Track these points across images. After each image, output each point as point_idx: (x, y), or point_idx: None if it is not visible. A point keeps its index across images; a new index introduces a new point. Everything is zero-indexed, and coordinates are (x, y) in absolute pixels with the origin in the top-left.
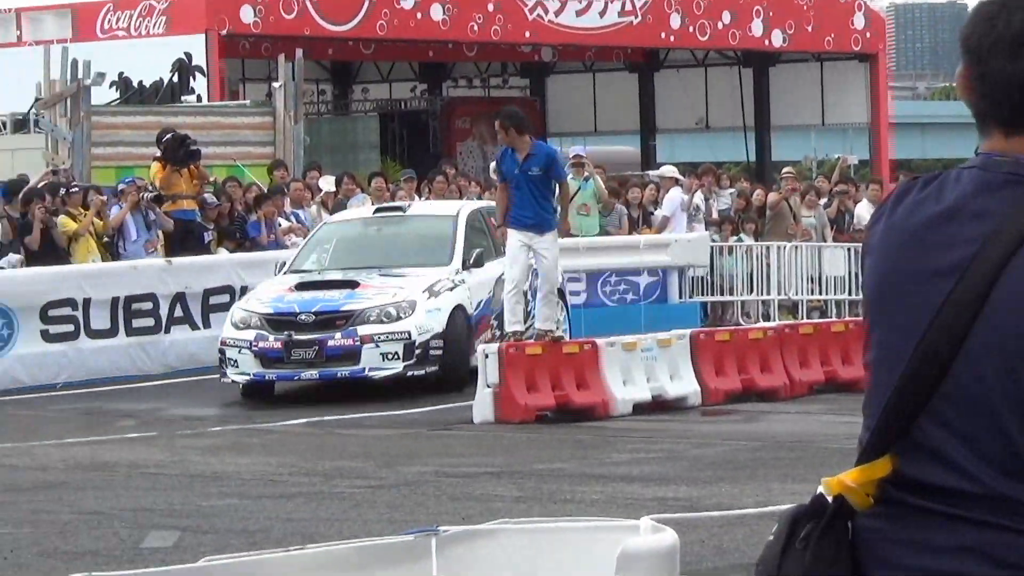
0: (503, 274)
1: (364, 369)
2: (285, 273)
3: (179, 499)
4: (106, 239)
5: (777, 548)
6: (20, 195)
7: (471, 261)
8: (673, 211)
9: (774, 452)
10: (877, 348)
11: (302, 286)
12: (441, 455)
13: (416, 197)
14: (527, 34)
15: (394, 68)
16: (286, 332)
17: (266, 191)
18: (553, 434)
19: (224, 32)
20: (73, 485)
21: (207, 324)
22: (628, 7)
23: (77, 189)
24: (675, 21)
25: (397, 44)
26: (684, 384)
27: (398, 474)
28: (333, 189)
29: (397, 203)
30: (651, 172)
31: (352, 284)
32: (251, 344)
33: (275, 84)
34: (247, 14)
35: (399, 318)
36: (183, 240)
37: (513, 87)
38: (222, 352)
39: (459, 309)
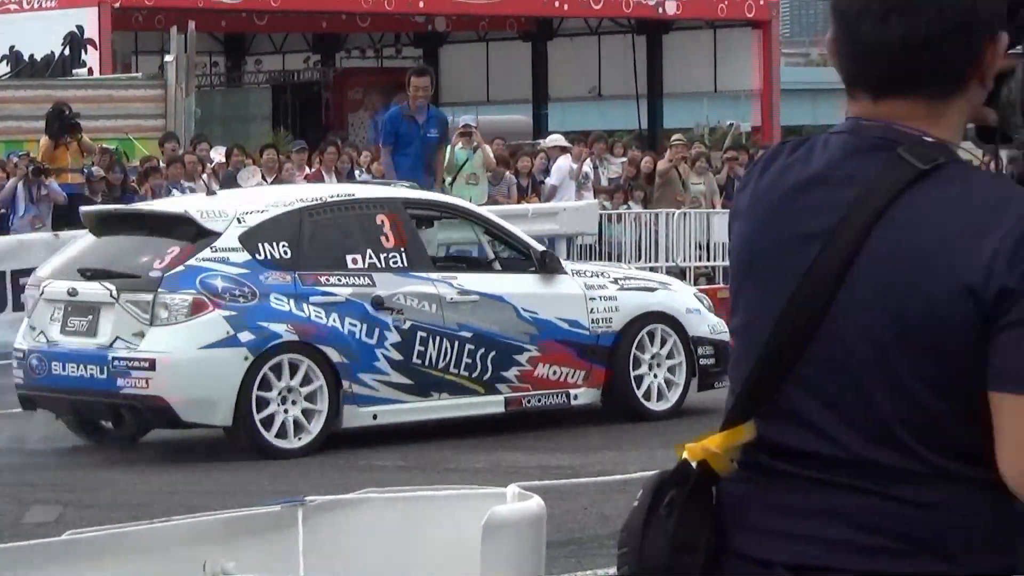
0: None
1: None
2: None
3: (62, 474)
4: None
5: (641, 514)
6: None
7: None
8: (561, 180)
9: (664, 421)
10: (744, 314)
11: None
12: None
13: (307, 168)
14: (420, 4)
15: (287, 39)
16: None
17: (156, 164)
18: None
19: (116, 5)
20: None
21: None
22: None
23: None
24: None
25: (290, 15)
26: None
27: None
28: (223, 160)
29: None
30: (542, 141)
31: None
32: None
33: (167, 57)
34: None
35: None
36: (69, 214)
37: (407, 57)
38: None
39: None
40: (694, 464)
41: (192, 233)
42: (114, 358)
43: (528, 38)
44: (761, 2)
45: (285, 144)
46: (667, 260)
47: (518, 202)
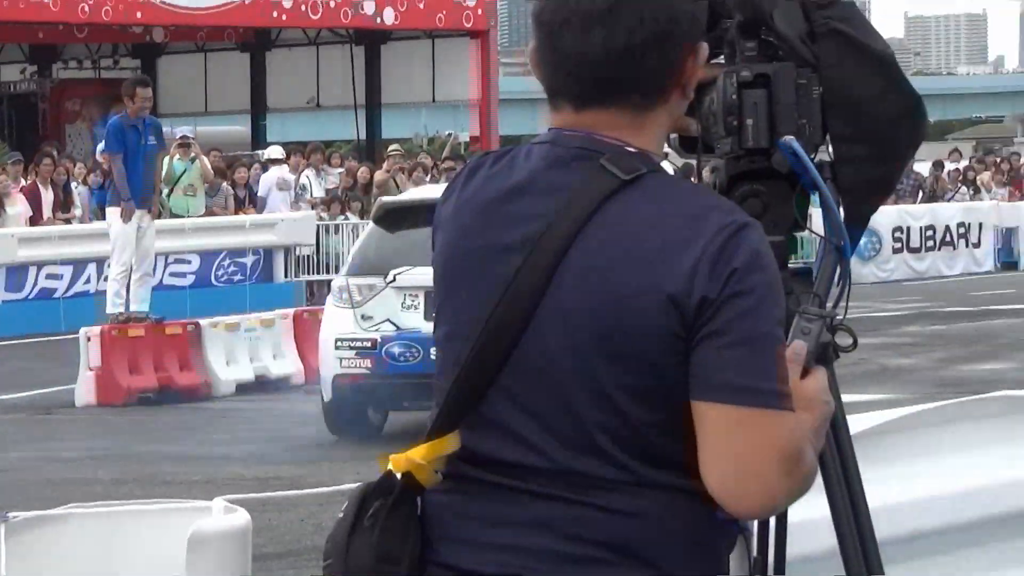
0: None
1: None
2: None
3: None
4: None
5: (346, 525)
6: None
7: None
8: (267, 191)
9: (377, 429)
10: (447, 325)
11: None
12: (42, 440)
13: (23, 180)
14: (138, 15)
15: (3, 50)
16: None
17: None
18: (156, 416)
19: None
20: None
21: None
22: None
23: None
24: (287, 0)
25: (6, 26)
26: (287, 363)
27: None
28: None
29: None
30: (260, 152)
31: None
32: None
33: None
34: None
35: None
36: None
37: (124, 68)
38: None
39: None
40: (399, 475)
41: None
42: None
43: (247, 48)
44: (479, 12)
45: (1, 156)
46: None
47: (235, 213)
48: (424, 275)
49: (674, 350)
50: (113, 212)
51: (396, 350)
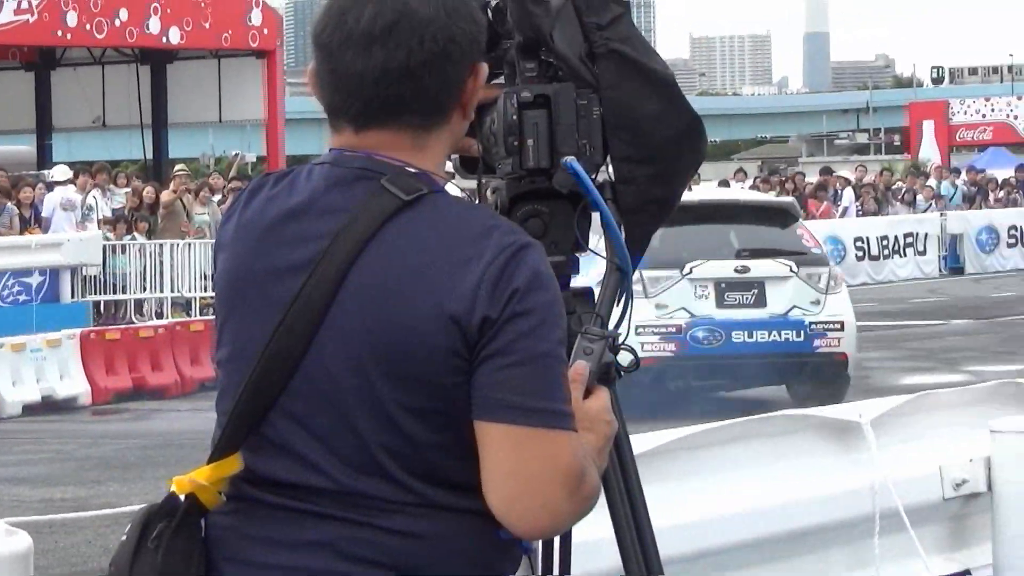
0: None
1: None
2: None
3: None
4: None
5: (129, 548)
6: None
7: None
8: (51, 211)
9: (164, 450)
10: (229, 346)
11: None
12: None
13: None
14: None
15: None
16: None
17: None
18: None
19: None
20: None
21: None
22: (24, 5)
23: None
24: (71, 19)
25: None
26: (74, 384)
27: None
28: None
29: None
30: (46, 171)
31: None
32: None
33: None
34: None
35: None
36: None
37: None
38: None
39: None
40: (182, 497)
41: (788, 218)
42: (811, 323)
43: (31, 68)
44: (265, 32)
45: None
46: (172, 291)
47: (21, 233)
48: (720, 268)
49: (456, 370)
50: None
51: (700, 334)
